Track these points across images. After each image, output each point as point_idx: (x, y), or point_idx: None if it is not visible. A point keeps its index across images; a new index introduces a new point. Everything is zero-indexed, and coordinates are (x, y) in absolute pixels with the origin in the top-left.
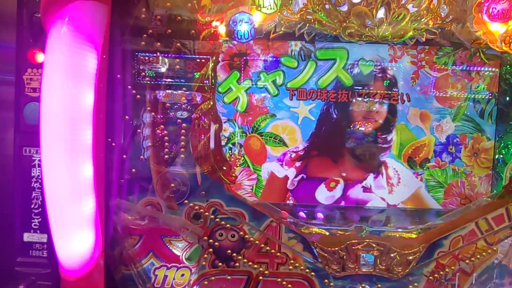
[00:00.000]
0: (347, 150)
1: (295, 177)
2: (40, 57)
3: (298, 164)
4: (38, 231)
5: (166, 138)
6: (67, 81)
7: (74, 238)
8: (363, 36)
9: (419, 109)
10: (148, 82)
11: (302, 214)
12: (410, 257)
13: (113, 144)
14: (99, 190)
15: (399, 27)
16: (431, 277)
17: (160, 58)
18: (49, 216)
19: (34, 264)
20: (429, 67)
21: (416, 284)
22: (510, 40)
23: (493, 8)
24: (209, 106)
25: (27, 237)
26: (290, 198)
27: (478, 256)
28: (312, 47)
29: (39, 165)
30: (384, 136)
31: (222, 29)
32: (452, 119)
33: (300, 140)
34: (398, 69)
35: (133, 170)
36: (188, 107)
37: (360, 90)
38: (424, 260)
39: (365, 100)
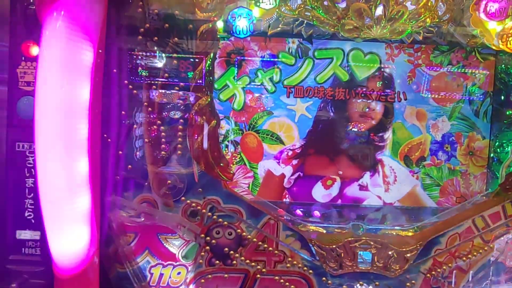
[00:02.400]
0: (344, 148)
1: (292, 175)
2: (34, 50)
3: (295, 162)
4: (31, 228)
5: (163, 134)
6: (62, 75)
7: (68, 235)
8: (361, 34)
9: (416, 107)
10: (145, 77)
11: (299, 212)
12: (408, 255)
13: (109, 140)
14: (94, 186)
15: (397, 25)
16: (428, 275)
17: (157, 53)
18: (43, 213)
19: (27, 262)
20: (426, 66)
21: (413, 281)
22: (507, 38)
23: (490, 6)
24: (206, 103)
25: (19, 234)
26: (287, 196)
27: (475, 253)
28: (309, 44)
29: (33, 161)
30: (380, 134)
31: (220, 25)
32: (448, 118)
33: (297, 138)
34: (395, 67)
35: (129, 166)
36: (185, 103)
37: (357, 88)
38: (421, 258)
39: (362, 98)
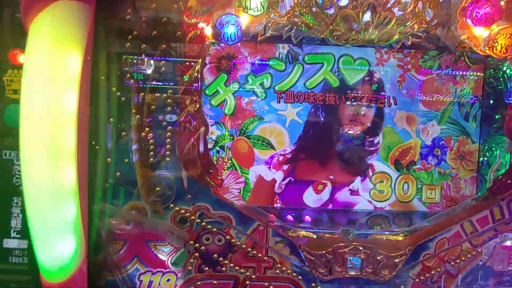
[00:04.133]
0: (335, 153)
1: (283, 180)
2: (21, 58)
3: (285, 167)
4: (18, 237)
5: (152, 141)
6: (48, 82)
7: (55, 243)
8: (350, 39)
9: (406, 112)
10: (134, 84)
11: (289, 217)
12: (397, 260)
13: (97, 147)
14: (82, 194)
15: (385, 31)
16: (417, 280)
17: (146, 60)
18: (29, 221)
19: (14, 271)
20: (415, 71)
21: (402, 286)
22: (493, 44)
23: (476, 12)
24: (196, 109)
25: (6, 243)
26: (278, 201)
27: (463, 258)
28: (299, 50)
29: (20, 169)
30: (371, 139)
31: (208, 31)
32: (437, 122)
33: (288, 143)
34: (385, 72)
35: (118, 173)
36: (174, 110)
37: (348, 93)
38: (410, 263)
39: (352, 103)
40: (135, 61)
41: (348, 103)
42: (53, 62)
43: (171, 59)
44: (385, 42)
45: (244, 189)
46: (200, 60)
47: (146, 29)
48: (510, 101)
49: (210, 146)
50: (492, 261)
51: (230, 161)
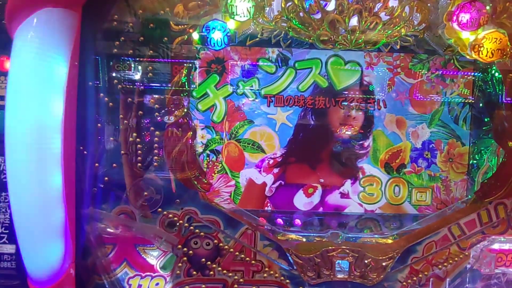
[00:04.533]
0: (325, 156)
1: (273, 183)
2: (8, 65)
3: (276, 170)
4: (6, 242)
5: (140, 146)
6: (33, 88)
7: (42, 248)
8: (337, 44)
9: (395, 115)
10: (121, 89)
11: (280, 220)
12: (385, 263)
13: (85, 152)
14: (69, 199)
15: (372, 35)
16: (405, 283)
17: (133, 65)
18: (15, 227)
19: (2, 276)
20: (405, 74)
21: None
22: (479, 49)
23: (462, 17)
24: (183, 113)
25: None
26: (268, 204)
27: (451, 261)
28: (289, 53)
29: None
30: (361, 142)
31: (195, 37)
32: (427, 125)
33: (278, 147)
34: (375, 75)
35: (106, 178)
36: (162, 114)
37: (338, 96)
38: (398, 266)
39: (342, 106)
40: (122, 66)
41: (346, 103)
42: (39, 68)
43: (159, 63)
44: (373, 46)
45: (234, 193)
46: (188, 65)
47: (133, 34)
48: (499, 104)
49: (200, 150)
50: (479, 264)
51: (220, 165)
